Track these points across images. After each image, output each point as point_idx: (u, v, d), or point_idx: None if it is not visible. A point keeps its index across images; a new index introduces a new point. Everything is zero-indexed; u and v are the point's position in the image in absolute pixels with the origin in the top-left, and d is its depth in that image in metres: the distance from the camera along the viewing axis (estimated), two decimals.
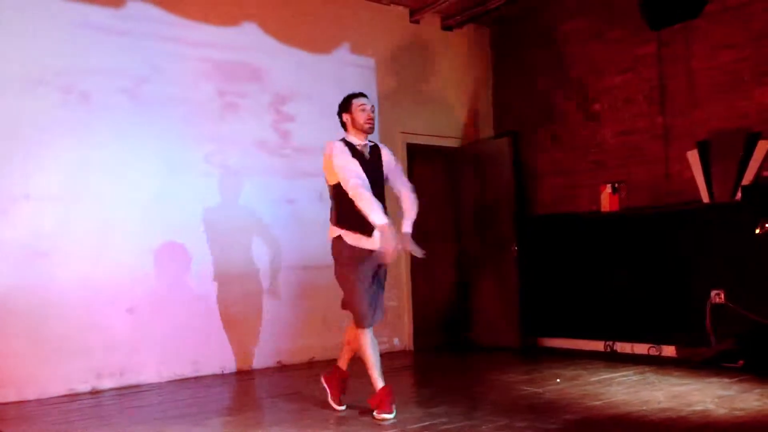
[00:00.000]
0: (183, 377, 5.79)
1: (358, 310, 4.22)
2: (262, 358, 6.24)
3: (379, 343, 6.83)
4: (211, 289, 6.02)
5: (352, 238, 4.23)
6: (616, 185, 6.65)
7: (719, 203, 5.91)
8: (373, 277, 4.31)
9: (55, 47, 5.41)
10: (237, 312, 6.14)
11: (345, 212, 4.21)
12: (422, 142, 7.50)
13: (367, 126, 4.37)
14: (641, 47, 6.60)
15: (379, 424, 4.04)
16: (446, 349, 7.30)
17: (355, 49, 7.06)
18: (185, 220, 5.93)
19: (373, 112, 4.43)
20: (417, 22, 7.54)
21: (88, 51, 5.55)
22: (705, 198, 6.04)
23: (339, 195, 4.24)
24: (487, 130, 7.94)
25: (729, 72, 6.03)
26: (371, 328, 4.29)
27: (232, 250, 6.17)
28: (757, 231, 5.51)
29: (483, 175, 7.49)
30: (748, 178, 5.77)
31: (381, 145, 4.56)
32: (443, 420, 4.05)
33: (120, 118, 5.67)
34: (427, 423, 4.02)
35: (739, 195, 5.76)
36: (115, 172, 5.62)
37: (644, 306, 6.36)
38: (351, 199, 4.10)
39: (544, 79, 7.45)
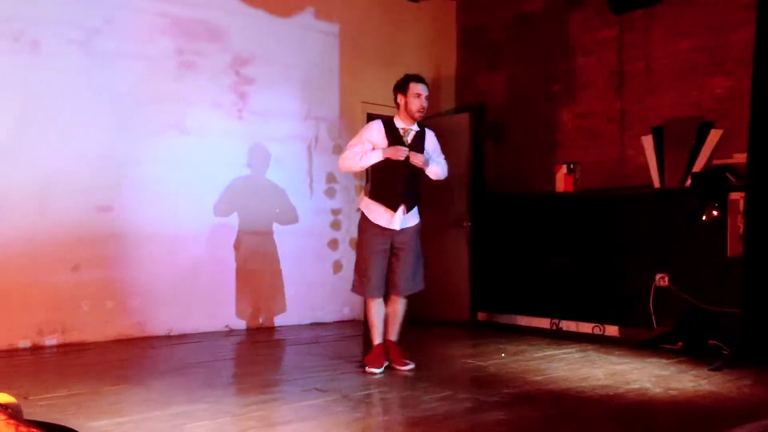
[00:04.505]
0: (128, 337, 5.71)
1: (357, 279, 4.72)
2: (209, 321, 6.18)
3: (329, 312, 7.00)
4: (160, 250, 5.92)
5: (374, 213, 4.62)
6: (571, 166, 6.72)
7: (669, 189, 6.02)
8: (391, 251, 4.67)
9: None
10: (185, 275, 6.06)
11: (373, 186, 4.72)
12: (383, 113, 7.42)
13: (418, 114, 4.62)
14: (603, 31, 6.63)
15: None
16: None
17: (320, 15, 6.94)
18: (134, 180, 5.80)
19: (427, 100, 4.64)
20: None
21: None
22: (656, 183, 6.14)
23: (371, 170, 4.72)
24: (449, 104, 7.90)
25: (686, 60, 6.11)
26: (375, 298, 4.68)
27: (184, 213, 6.07)
28: (704, 218, 5.63)
29: (442, 148, 7.44)
30: (699, 166, 5.89)
31: (428, 131, 4.79)
32: (385, 389, 4.08)
33: (71, 69, 5.49)
34: (370, 392, 4.04)
35: (689, 181, 5.87)
36: (63, 125, 5.45)
37: (591, 286, 6.48)
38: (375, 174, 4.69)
39: (507, 55, 7.44)
